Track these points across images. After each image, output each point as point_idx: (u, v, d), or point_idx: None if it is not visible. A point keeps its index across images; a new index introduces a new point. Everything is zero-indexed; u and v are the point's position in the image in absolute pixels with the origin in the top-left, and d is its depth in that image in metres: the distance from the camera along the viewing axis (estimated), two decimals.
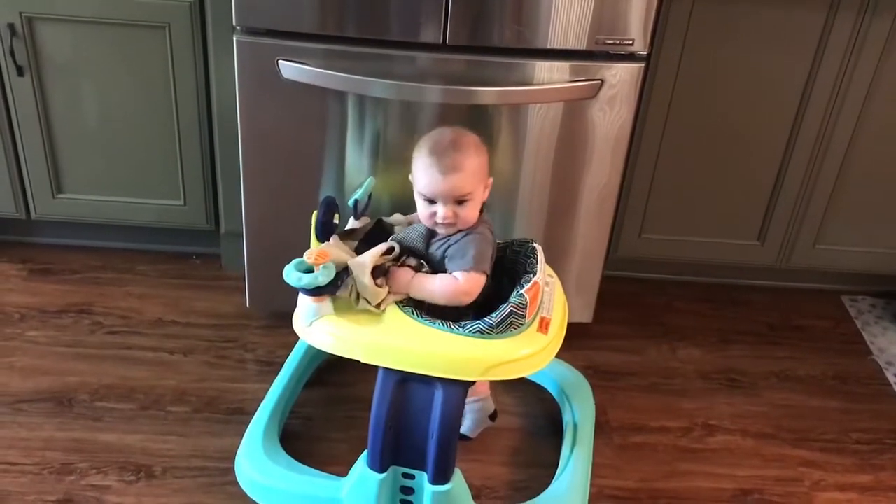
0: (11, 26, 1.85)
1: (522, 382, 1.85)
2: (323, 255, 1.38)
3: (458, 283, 1.42)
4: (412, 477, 1.47)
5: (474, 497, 1.52)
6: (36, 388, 1.80)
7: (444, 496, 1.45)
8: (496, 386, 1.76)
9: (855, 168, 2.06)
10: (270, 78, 1.71)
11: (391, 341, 1.39)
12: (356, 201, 1.59)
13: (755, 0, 1.84)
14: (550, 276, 1.56)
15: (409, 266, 1.45)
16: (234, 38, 1.69)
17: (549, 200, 1.87)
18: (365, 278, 1.38)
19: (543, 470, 1.69)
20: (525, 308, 1.40)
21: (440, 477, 1.44)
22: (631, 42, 1.71)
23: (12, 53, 1.88)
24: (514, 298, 1.40)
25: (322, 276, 1.36)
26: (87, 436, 1.70)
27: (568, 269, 1.96)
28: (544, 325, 1.45)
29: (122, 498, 1.58)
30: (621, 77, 1.74)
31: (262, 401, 1.73)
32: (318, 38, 1.68)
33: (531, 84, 1.73)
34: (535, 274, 1.46)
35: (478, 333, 1.39)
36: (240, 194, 1.87)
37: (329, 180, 1.83)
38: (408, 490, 1.48)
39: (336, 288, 1.39)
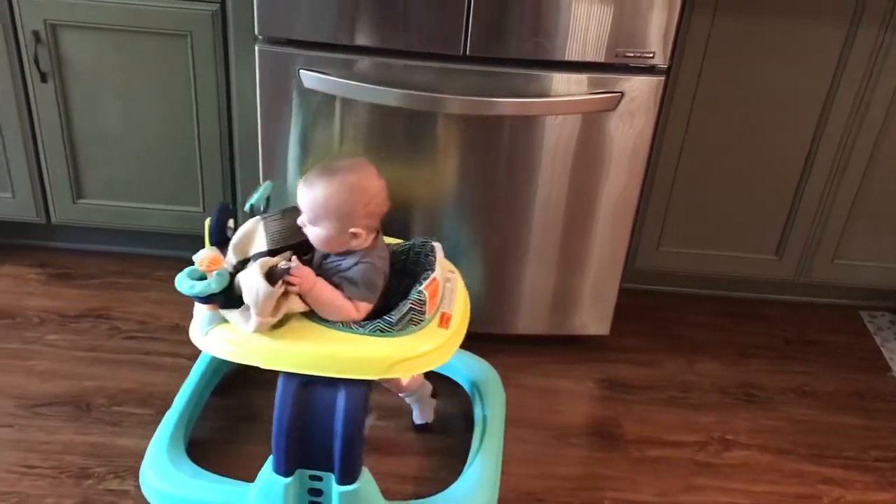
0: (36, 33, 1.87)
1: (436, 377, 1.84)
2: (216, 261, 1.36)
3: (353, 310, 1.42)
4: (320, 479, 1.46)
5: (384, 494, 1.52)
6: (55, 391, 1.81)
7: (352, 496, 1.45)
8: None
9: (875, 183, 2.05)
10: (291, 87, 1.72)
11: (291, 345, 1.38)
12: (252, 206, 1.55)
13: (776, 14, 1.84)
14: (452, 272, 1.58)
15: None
16: (256, 48, 1.70)
17: (564, 212, 1.87)
18: (257, 278, 1.33)
19: (454, 464, 1.69)
20: (424, 304, 1.42)
21: (347, 477, 1.44)
22: (651, 55, 1.71)
23: (36, 60, 1.90)
24: (412, 295, 1.42)
25: (215, 284, 1.33)
26: (105, 440, 1.71)
27: (584, 281, 1.96)
28: (445, 320, 1.46)
29: (139, 503, 1.58)
30: (641, 90, 1.74)
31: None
32: (339, 49, 1.70)
33: (550, 95, 1.73)
34: (433, 270, 1.47)
35: (378, 332, 1.40)
36: None
37: None
38: (316, 492, 1.48)
39: (229, 296, 1.36)
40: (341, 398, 1.39)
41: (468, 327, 1.81)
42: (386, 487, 1.53)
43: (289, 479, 1.44)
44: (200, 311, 1.41)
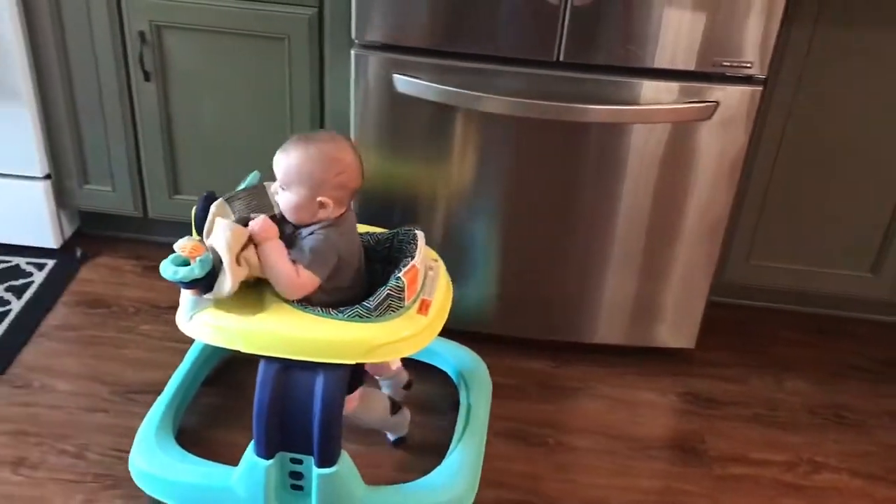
0: (142, 34, 1.94)
1: (423, 366, 1.87)
2: (197, 248, 1.39)
3: (294, 275, 1.42)
4: (300, 462, 1.49)
5: (365, 480, 1.54)
6: (147, 379, 1.87)
7: (330, 478, 1.47)
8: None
9: None
10: (384, 91, 1.75)
11: (271, 329, 1.41)
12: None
13: (878, 23, 1.78)
14: (435, 261, 1.60)
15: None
16: (352, 52, 1.73)
17: (649, 221, 1.85)
18: (223, 223, 1.38)
19: (436, 452, 1.67)
20: (402, 291, 1.44)
21: (326, 460, 1.46)
22: (749, 64, 1.68)
23: (141, 60, 1.97)
24: (391, 282, 1.45)
25: (198, 269, 1.36)
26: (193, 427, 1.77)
27: (668, 292, 1.93)
28: (425, 307, 1.48)
29: None
30: (737, 99, 1.71)
31: None
32: (432, 53, 1.71)
33: (639, 103, 1.71)
34: (413, 258, 1.49)
35: (357, 317, 1.42)
36: None
37: (438, 192, 1.85)
38: (297, 475, 1.50)
39: (212, 281, 1.38)
40: (320, 382, 1.42)
41: (546, 333, 1.79)
42: (368, 474, 1.56)
43: (270, 462, 1.48)
44: (185, 297, 1.45)
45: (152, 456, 1.60)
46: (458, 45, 1.70)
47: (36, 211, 2.16)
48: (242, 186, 1.58)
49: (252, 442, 1.49)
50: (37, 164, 2.10)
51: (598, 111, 1.71)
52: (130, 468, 1.61)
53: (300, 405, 1.43)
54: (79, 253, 2.24)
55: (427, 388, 1.86)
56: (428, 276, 1.55)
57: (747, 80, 1.70)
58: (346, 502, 1.51)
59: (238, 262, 1.38)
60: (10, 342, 1.95)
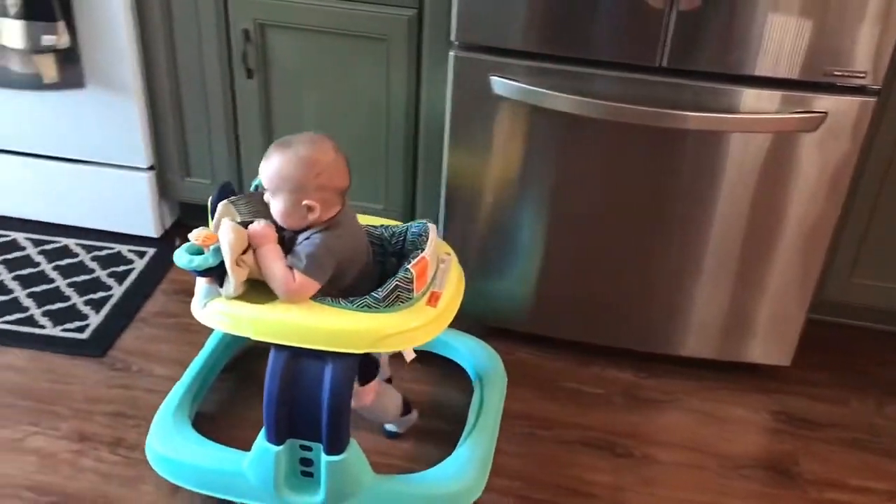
0: (246, 32, 1.99)
1: (441, 361, 1.89)
2: (211, 237, 1.42)
3: (293, 282, 1.43)
4: (310, 449, 1.51)
5: (375, 469, 1.57)
6: None
7: (339, 466, 1.50)
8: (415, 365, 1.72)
9: None
10: (481, 93, 1.74)
11: (280, 318, 1.43)
12: (257, 186, 1.57)
13: None
14: (447, 254, 1.61)
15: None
16: (451, 53, 1.73)
17: (745, 233, 1.79)
18: (226, 224, 1.41)
19: (448, 445, 1.67)
20: (411, 282, 1.45)
21: (334, 447, 1.49)
22: (862, 74, 1.61)
23: (244, 57, 2.02)
24: (400, 273, 1.46)
25: (212, 258, 1.40)
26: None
27: (763, 308, 1.87)
28: (434, 299, 1.50)
29: None
30: (847, 111, 1.64)
31: None
32: (530, 56, 1.70)
33: (741, 111, 1.67)
34: (423, 250, 1.50)
35: (366, 308, 1.44)
36: (438, 206, 1.92)
37: (531, 195, 1.84)
38: (307, 461, 1.53)
39: (225, 271, 1.41)
40: (328, 371, 1.44)
41: (634, 344, 1.73)
42: (376, 462, 1.58)
43: (280, 448, 1.50)
44: (200, 285, 1.48)
45: (168, 439, 1.64)
46: (558, 48, 1.69)
47: (139, 201, 2.24)
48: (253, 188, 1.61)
49: (263, 428, 1.51)
50: (142, 155, 2.18)
51: (699, 118, 1.67)
52: (147, 451, 1.65)
53: (309, 393, 1.46)
54: (178, 242, 2.30)
55: (442, 382, 1.85)
56: (440, 268, 1.56)
57: (859, 90, 1.63)
58: (353, 489, 1.53)
59: (238, 263, 1.41)
60: (110, 326, 2.03)
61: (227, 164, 2.19)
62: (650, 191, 1.79)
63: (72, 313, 2.05)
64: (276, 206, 1.47)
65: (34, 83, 2.06)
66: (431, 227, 1.58)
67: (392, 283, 1.45)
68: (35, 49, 1.97)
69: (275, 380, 1.46)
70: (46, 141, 2.20)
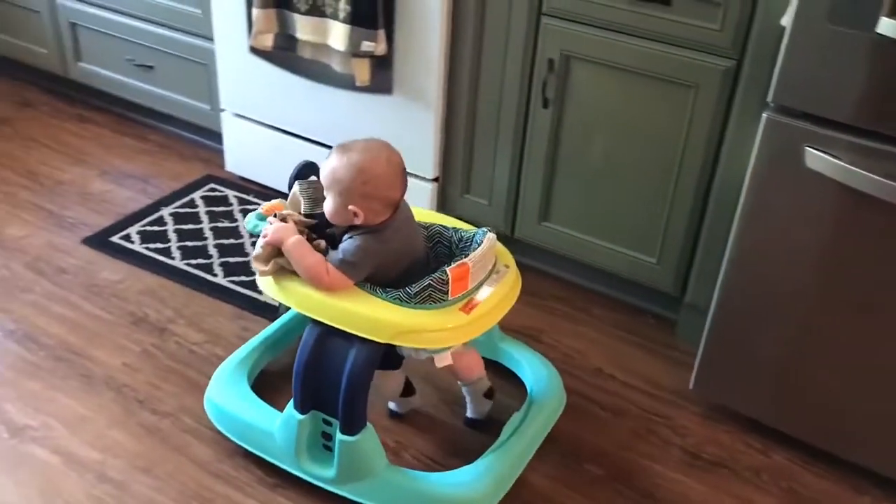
0: (551, 62, 1.96)
1: (506, 373, 1.90)
2: (276, 207, 1.59)
3: (326, 275, 1.49)
4: (330, 424, 1.57)
5: (397, 461, 1.67)
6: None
7: (351, 446, 1.55)
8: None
9: None
10: (791, 163, 1.57)
11: (318, 295, 1.51)
12: (295, 176, 1.63)
13: None
14: (505, 266, 1.62)
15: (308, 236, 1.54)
16: (764, 115, 1.57)
17: None
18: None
19: (475, 455, 1.65)
20: (446, 284, 1.48)
21: (347, 427, 1.54)
22: None
23: (544, 86, 1.99)
24: (436, 273, 1.48)
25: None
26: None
27: None
28: (470, 306, 1.51)
29: None
30: None
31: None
32: (858, 132, 1.50)
33: None
34: (467, 256, 1.52)
35: (396, 300, 1.48)
36: (717, 272, 1.76)
37: (830, 286, 1.63)
38: (328, 436, 1.59)
39: None
40: (352, 354, 1.49)
41: None
42: (394, 450, 1.71)
43: (303, 417, 1.58)
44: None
45: (221, 388, 1.76)
46: (892, 127, 1.47)
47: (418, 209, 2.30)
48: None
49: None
50: (430, 166, 2.23)
51: None
52: (205, 397, 1.77)
53: (333, 370, 1.51)
54: None
55: (501, 390, 1.83)
56: (491, 278, 1.57)
57: None
58: (364, 473, 1.58)
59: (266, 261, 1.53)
60: None
61: (505, 187, 2.18)
62: None
63: None
64: (327, 204, 1.54)
65: (348, 83, 2.19)
66: (490, 236, 1.59)
67: (426, 281, 1.48)
68: (354, 52, 2.08)
69: (305, 351, 1.54)
70: (345, 136, 2.29)
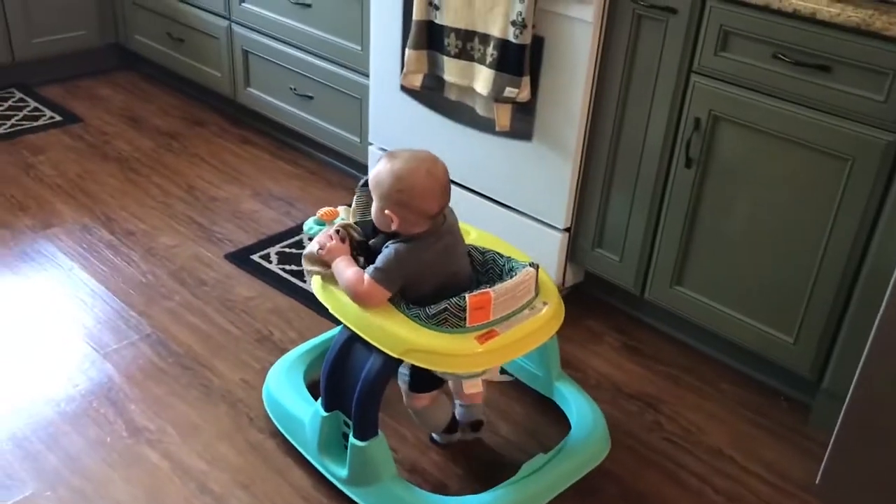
0: (697, 121, 1.88)
1: (553, 405, 1.89)
2: (332, 213, 1.68)
3: (361, 285, 1.54)
4: (349, 426, 1.61)
5: (402, 468, 1.73)
6: None
7: (359, 451, 1.59)
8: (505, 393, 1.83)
9: None
10: None
11: (348, 300, 1.57)
12: (364, 183, 1.66)
13: None
14: (544, 303, 1.59)
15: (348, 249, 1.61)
16: None
17: None
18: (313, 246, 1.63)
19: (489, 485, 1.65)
20: (463, 311, 1.48)
21: (357, 432, 1.59)
22: None
23: (688, 146, 1.92)
24: (454, 298, 1.49)
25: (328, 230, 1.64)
26: None
27: None
28: (487, 337, 1.50)
29: None
30: None
31: None
32: None
33: None
34: (491, 285, 1.53)
35: (415, 318, 1.51)
36: (860, 359, 1.61)
37: None
38: (347, 436, 1.62)
39: None
40: (370, 361, 1.54)
41: None
42: (416, 463, 1.77)
43: (326, 415, 1.64)
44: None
45: (277, 378, 1.86)
46: None
47: (547, 257, 2.25)
48: None
49: None
50: (561, 216, 2.19)
51: None
52: (265, 383, 1.88)
53: (354, 375, 1.56)
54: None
55: (541, 423, 1.85)
56: (523, 312, 1.55)
57: None
58: (370, 479, 1.62)
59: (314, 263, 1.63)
60: None
61: (639, 245, 2.10)
62: None
63: None
64: (373, 206, 1.59)
65: (489, 127, 2.19)
66: (527, 270, 1.58)
67: (443, 304, 1.49)
68: (497, 98, 2.09)
69: (333, 352, 1.60)
70: (481, 178, 2.32)
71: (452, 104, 2.27)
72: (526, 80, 2.05)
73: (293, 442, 1.78)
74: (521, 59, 2.03)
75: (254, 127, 3.18)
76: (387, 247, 1.57)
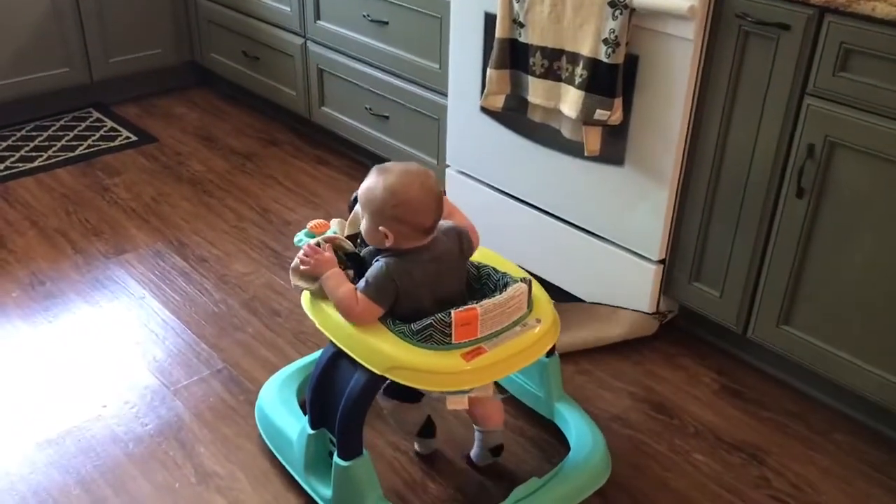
0: (811, 147, 1.71)
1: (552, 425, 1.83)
2: (322, 226, 1.64)
3: (355, 304, 1.49)
4: (334, 444, 1.55)
5: (392, 487, 1.68)
6: None
7: (343, 471, 1.53)
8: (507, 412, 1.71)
9: None
10: None
11: (329, 311, 1.53)
12: (356, 197, 1.60)
13: None
14: (537, 321, 1.53)
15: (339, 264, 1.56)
16: None
17: None
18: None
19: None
20: (448, 327, 1.43)
21: (342, 451, 1.53)
22: None
23: (800, 174, 1.74)
24: (440, 314, 1.44)
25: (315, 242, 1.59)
26: None
27: None
28: (473, 354, 1.44)
29: None
30: None
31: None
32: None
33: None
34: (478, 301, 1.47)
35: (400, 334, 1.46)
36: None
37: None
38: (332, 455, 1.57)
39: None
40: (354, 378, 1.48)
41: None
42: (408, 494, 1.68)
43: (312, 432, 1.60)
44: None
45: (269, 392, 1.83)
46: None
47: (639, 290, 2.10)
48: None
49: None
50: (655, 247, 2.03)
51: None
52: (258, 397, 1.85)
53: (338, 394, 1.51)
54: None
55: (543, 448, 1.79)
56: (513, 329, 1.49)
57: None
58: (355, 501, 1.55)
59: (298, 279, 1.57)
60: None
61: (742, 280, 1.93)
62: None
63: None
64: (363, 223, 1.54)
65: (577, 151, 2.05)
66: (518, 286, 1.51)
67: (428, 320, 1.44)
68: (587, 121, 1.94)
69: (319, 368, 1.56)
70: (567, 205, 2.18)
71: (536, 126, 2.14)
72: (618, 101, 1.90)
73: (282, 460, 1.73)
74: (613, 80, 1.88)
75: (329, 147, 3.10)
76: (377, 260, 1.53)
